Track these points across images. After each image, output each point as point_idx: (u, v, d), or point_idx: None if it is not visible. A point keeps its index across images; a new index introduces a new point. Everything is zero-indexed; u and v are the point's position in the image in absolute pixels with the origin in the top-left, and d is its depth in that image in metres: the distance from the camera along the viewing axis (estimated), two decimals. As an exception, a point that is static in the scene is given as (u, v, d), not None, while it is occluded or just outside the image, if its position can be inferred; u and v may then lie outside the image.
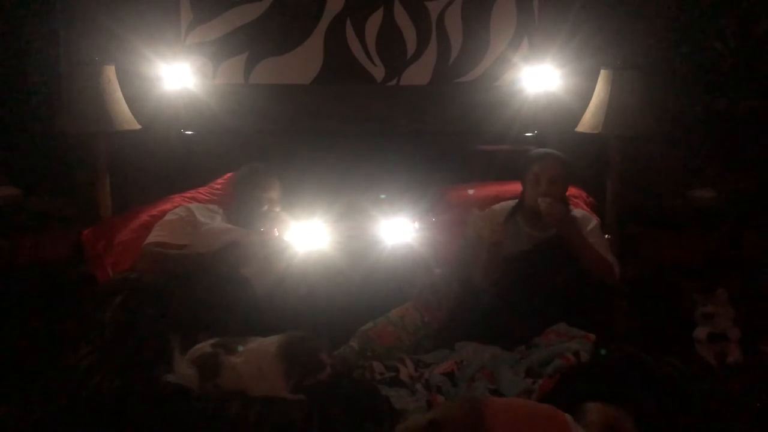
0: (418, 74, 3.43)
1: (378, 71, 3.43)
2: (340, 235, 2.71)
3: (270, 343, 2.04)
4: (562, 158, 2.74)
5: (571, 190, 3.11)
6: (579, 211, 2.81)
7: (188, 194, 3.07)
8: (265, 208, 2.83)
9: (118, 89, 3.14)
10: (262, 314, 2.42)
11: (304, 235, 2.68)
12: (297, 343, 2.03)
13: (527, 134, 3.39)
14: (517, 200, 2.81)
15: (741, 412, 2.28)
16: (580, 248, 2.58)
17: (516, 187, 2.82)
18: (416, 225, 2.88)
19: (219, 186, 3.14)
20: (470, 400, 1.76)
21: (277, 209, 2.86)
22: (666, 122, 3.42)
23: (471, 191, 3.12)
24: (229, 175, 3.13)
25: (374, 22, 3.38)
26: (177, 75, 3.28)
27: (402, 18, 3.38)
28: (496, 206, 2.85)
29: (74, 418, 1.76)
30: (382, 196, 3.14)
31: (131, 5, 3.30)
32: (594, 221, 2.76)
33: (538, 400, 1.89)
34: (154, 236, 2.71)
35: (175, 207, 2.87)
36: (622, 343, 2.20)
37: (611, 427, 1.64)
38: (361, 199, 2.94)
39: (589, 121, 3.15)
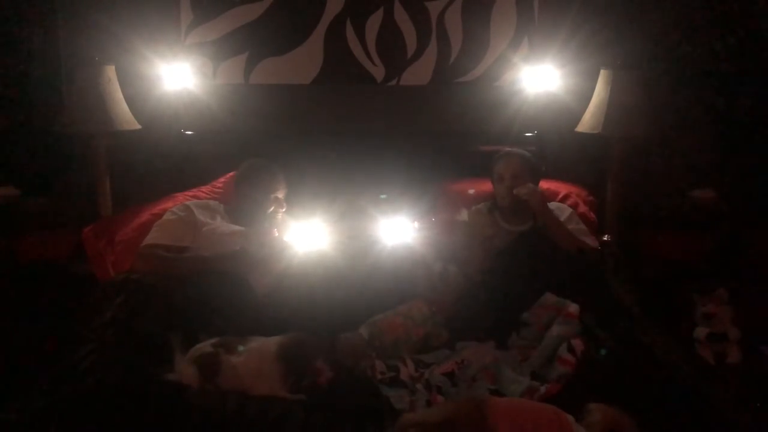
0: (418, 74, 3.43)
1: (378, 71, 3.43)
2: (340, 235, 2.71)
3: (271, 343, 2.04)
4: (523, 155, 2.94)
5: (571, 189, 3.14)
6: (552, 204, 2.96)
7: (190, 193, 3.06)
8: (272, 209, 2.81)
9: (118, 89, 3.14)
10: (262, 314, 2.41)
11: (304, 235, 2.68)
12: (297, 345, 2.03)
13: (527, 134, 3.39)
14: (490, 201, 2.99)
15: (741, 412, 2.28)
16: (559, 234, 2.75)
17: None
18: (416, 225, 2.88)
19: (221, 185, 3.13)
20: (473, 399, 1.76)
21: (283, 209, 2.83)
22: (666, 122, 3.42)
23: (471, 191, 3.13)
24: (230, 174, 3.11)
25: (374, 22, 3.38)
26: (177, 75, 3.28)
27: (402, 18, 3.38)
28: (474, 208, 2.98)
29: (75, 418, 1.75)
30: (382, 196, 3.14)
31: (131, 5, 3.30)
32: (569, 210, 2.95)
33: (540, 401, 1.89)
34: (151, 238, 2.68)
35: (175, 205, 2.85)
36: (618, 332, 2.22)
37: (614, 428, 1.63)
38: (361, 199, 2.95)
39: (589, 121, 3.15)
